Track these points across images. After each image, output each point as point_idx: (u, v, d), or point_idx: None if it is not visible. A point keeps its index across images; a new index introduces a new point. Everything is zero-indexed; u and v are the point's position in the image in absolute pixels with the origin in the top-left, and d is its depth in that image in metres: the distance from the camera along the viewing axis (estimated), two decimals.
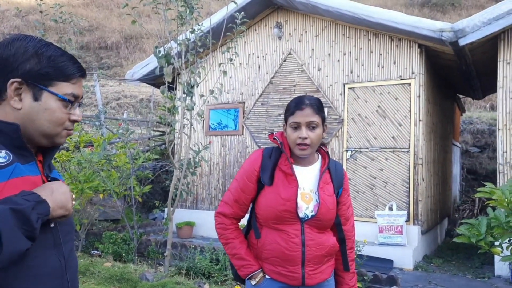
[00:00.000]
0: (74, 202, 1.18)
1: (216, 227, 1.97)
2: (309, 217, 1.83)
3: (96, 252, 6.08)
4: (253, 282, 1.89)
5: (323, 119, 1.87)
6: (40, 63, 1.11)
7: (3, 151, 1.05)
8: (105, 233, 6.09)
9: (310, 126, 1.82)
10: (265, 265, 1.88)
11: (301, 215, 1.82)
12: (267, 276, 1.88)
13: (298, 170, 1.89)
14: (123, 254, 5.77)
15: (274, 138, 1.93)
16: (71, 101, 1.16)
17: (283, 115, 7.45)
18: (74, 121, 1.19)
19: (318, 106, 1.86)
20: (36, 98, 1.11)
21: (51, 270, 1.12)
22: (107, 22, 22.91)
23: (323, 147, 1.98)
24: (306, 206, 1.84)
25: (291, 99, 7.09)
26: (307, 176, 1.89)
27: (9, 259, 0.95)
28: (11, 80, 1.10)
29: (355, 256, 2.01)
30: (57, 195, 1.09)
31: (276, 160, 1.89)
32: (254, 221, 1.96)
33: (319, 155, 1.98)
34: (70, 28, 6.27)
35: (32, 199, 1.02)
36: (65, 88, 1.15)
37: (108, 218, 7.80)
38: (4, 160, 1.04)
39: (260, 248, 1.89)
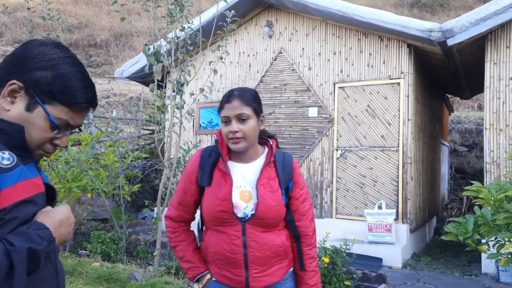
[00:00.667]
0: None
1: (166, 230, 1.92)
2: (249, 216, 1.72)
3: (84, 252, 6.02)
4: (200, 286, 1.84)
5: (256, 110, 1.76)
6: (51, 77, 1.07)
7: (6, 152, 1.01)
8: (94, 232, 6.03)
9: (240, 118, 1.72)
10: (211, 267, 1.82)
11: (240, 214, 1.73)
12: (213, 279, 1.81)
13: (238, 167, 1.80)
14: (112, 254, 5.72)
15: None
16: (59, 127, 1.10)
17: (274, 114, 7.42)
18: (55, 145, 1.14)
19: (249, 97, 1.75)
20: (28, 108, 1.07)
21: (49, 274, 1.12)
22: (97, 19, 22.70)
23: (270, 140, 1.87)
24: (246, 205, 1.74)
25: (282, 98, 7.08)
26: (248, 173, 1.79)
27: None
28: (13, 81, 1.06)
29: (316, 253, 1.90)
30: (64, 229, 1.07)
31: (215, 159, 1.80)
32: (199, 224, 1.90)
33: (265, 148, 1.87)
34: (58, 25, 6.19)
35: (46, 237, 1.00)
36: (62, 112, 1.09)
37: (97, 217, 7.73)
38: (9, 162, 1.00)
39: (204, 250, 1.83)
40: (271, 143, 1.86)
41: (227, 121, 1.74)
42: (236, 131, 1.71)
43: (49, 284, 1.12)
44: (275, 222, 1.76)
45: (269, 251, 1.74)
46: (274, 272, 1.78)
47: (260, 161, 1.82)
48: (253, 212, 1.72)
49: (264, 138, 1.88)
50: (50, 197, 1.15)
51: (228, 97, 1.76)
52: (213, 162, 1.79)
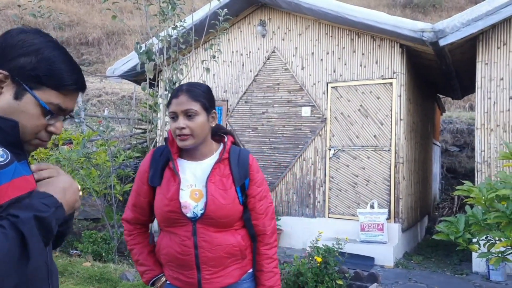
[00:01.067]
0: (80, 195, 1.13)
1: (123, 233, 1.88)
2: (199, 216, 1.65)
3: (75, 251, 5.97)
4: None
5: (205, 106, 1.68)
6: (35, 62, 1.04)
7: (0, 149, 0.98)
8: (85, 232, 5.98)
9: (187, 114, 1.64)
10: (165, 270, 1.77)
11: (189, 214, 1.66)
12: (168, 282, 1.76)
13: (189, 165, 1.73)
14: (103, 254, 5.67)
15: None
16: (52, 112, 1.08)
17: (267, 114, 7.41)
18: (51, 133, 1.11)
19: (198, 93, 1.67)
20: (17, 97, 1.04)
21: (42, 275, 1.08)
22: (88, 17, 22.53)
23: (226, 137, 1.79)
24: (195, 204, 1.67)
25: (275, 97, 7.05)
26: (200, 171, 1.71)
27: (29, 272, 0.92)
28: None
29: (275, 254, 1.81)
30: (69, 195, 1.05)
31: (167, 158, 1.73)
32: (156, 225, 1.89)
33: (221, 145, 1.79)
34: (49, 23, 6.13)
35: (52, 204, 0.98)
36: (52, 96, 1.06)
37: (88, 217, 7.68)
38: (3, 159, 0.97)
39: (157, 253, 1.78)
40: (226, 139, 1.78)
41: (174, 117, 1.66)
42: (183, 128, 1.63)
43: (41, 285, 1.08)
44: (228, 221, 1.69)
45: (222, 251, 1.67)
46: (230, 273, 1.71)
47: (213, 159, 1.74)
48: (202, 211, 1.65)
49: (220, 135, 1.82)
50: None
51: (176, 92, 1.68)
52: (164, 161, 1.73)
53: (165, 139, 1.76)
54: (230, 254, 1.69)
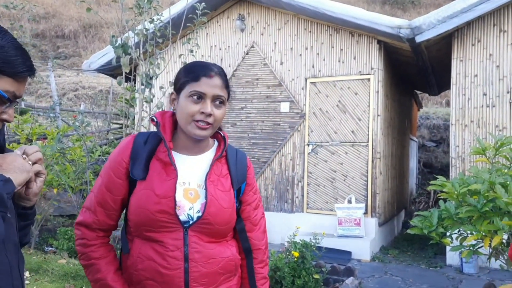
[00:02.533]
0: (33, 156, 1.12)
1: (75, 243, 1.45)
2: (195, 220, 1.36)
3: (50, 248, 5.87)
4: None
5: (228, 98, 1.47)
6: None
7: None
8: (60, 229, 5.87)
9: (217, 101, 1.39)
10: None
11: (183, 218, 1.36)
12: None
13: (183, 159, 1.43)
14: None
15: (153, 120, 1.45)
16: (10, 100, 1.05)
17: (246, 109, 7.34)
18: (4, 121, 1.09)
19: (227, 80, 1.46)
20: None
21: (2, 266, 1.05)
22: (65, 9, 21.98)
23: (220, 132, 1.54)
24: (191, 206, 1.38)
25: (254, 92, 6.99)
26: (196, 167, 1.43)
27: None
28: None
29: (268, 273, 1.59)
30: (7, 167, 1.04)
31: (153, 147, 1.42)
32: (124, 231, 1.47)
33: (215, 141, 1.54)
34: (23, 14, 5.96)
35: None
36: (8, 84, 1.04)
37: (64, 213, 7.54)
38: None
39: (130, 268, 1.39)
40: (222, 134, 1.53)
41: (200, 97, 1.36)
42: (210, 114, 1.36)
43: (3, 276, 1.05)
44: (225, 230, 1.43)
45: (217, 265, 1.39)
46: None
47: (209, 154, 1.47)
48: (199, 214, 1.36)
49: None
50: None
51: (208, 70, 1.39)
52: (150, 150, 1.41)
53: (157, 124, 1.43)
54: (225, 269, 1.42)
